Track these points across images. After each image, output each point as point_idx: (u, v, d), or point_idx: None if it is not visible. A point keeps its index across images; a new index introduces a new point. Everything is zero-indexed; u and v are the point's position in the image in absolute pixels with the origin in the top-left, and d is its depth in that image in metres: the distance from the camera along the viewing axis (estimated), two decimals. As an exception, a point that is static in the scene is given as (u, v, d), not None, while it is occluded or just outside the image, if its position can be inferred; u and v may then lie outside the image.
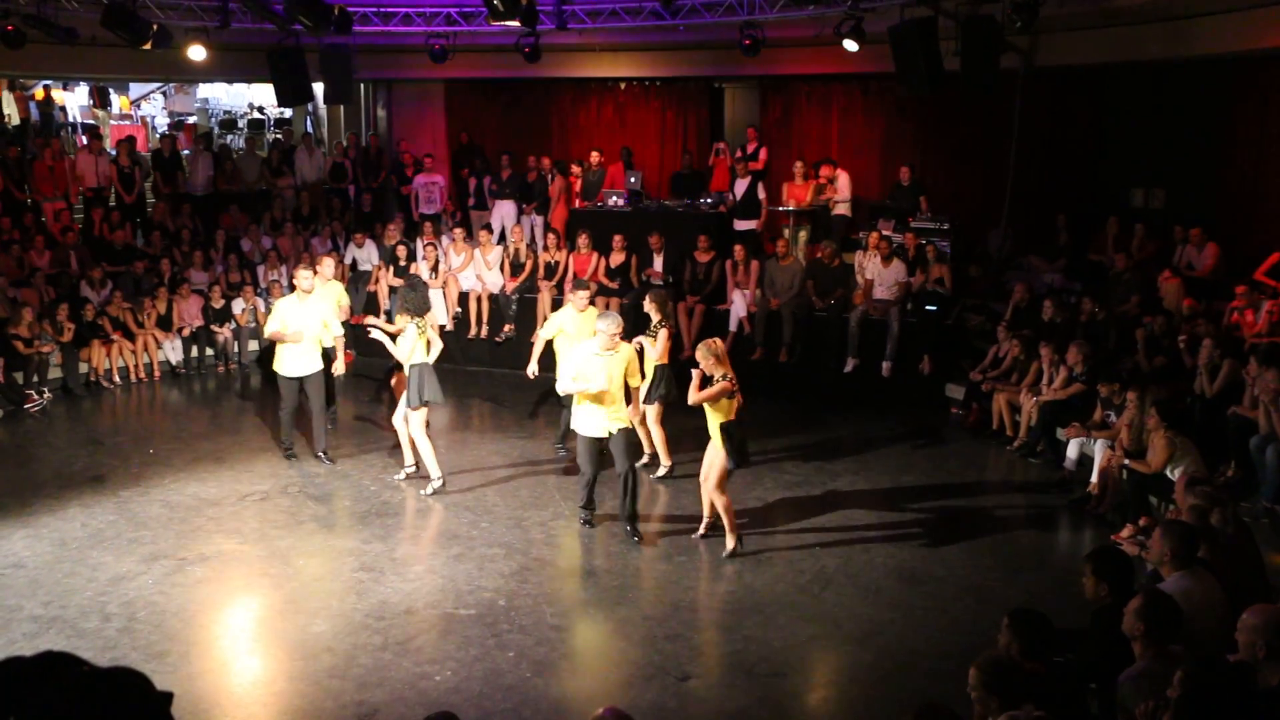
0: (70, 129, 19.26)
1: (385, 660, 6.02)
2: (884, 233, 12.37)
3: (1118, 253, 11.41)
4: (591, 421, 7.52)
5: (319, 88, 14.36)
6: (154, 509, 8.35)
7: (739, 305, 12.23)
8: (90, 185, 14.48)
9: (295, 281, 9.50)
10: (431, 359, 8.68)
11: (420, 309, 8.76)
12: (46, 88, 19.21)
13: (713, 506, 7.59)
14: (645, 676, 5.91)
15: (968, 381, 10.83)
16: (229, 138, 20.28)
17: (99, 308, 12.36)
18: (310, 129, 19.12)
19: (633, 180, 13.94)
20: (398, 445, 9.07)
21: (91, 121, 19.37)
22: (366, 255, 13.80)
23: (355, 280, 13.44)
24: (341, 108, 17.28)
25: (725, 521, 7.50)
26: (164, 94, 22.01)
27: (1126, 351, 9.87)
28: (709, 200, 13.69)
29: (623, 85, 16.18)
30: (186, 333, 12.92)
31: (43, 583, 6.97)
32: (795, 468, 9.44)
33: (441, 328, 13.15)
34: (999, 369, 10.53)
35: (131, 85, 21.07)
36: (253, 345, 13.24)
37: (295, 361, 9.21)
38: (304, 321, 9.14)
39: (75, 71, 16.31)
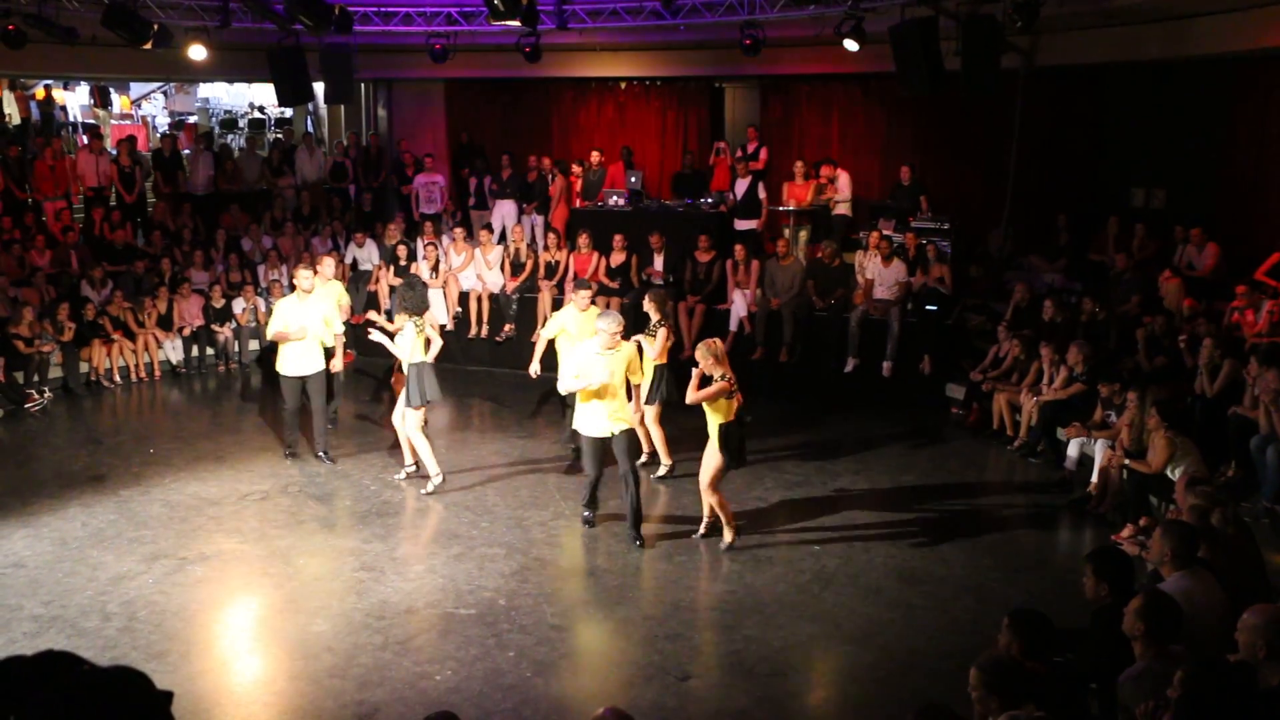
0: (71, 128, 19.28)
1: (385, 660, 6.02)
2: (884, 232, 12.37)
3: (1118, 253, 11.41)
4: (594, 421, 7.52)
5: (319, 87, 14.37)
6: (154, 508, 8.35)
7: (739, 305, 12.23)
8: (91, 185, 14.49)
9: (295, 281, 9.50)
10: (430, 357, 8.69)
11: (418, 308, 8.76)
12: (47, 87, 19.23)
13: (712, 507, 7.61)
14: (645, 676, 5.92)
15: (968, 381, 10.83)
16: (230, 137, 20.28)
17: (99, 307, 12.36)
18: (311, 128, 19.13)
19: (633, 180, 13.94)
20: (398, 445, 9.08)
21: (92, 121, 19.38)
22: (367, 255, 13.81)
23: (356, 280, 13.44)
24: (342, 107, 17.29)
25: (721, 517, 7.58)
26: (165, 93, 22.03)
27: (1127, 351, 9.87)
28: (709, 200, 13.69)
29: (623, 85, 16.18)
30: (187, 332, 12.92)
31: (43, 582, 6.97)
32: (795, 467, 9.44)
33: (442, 327, 13.15)
34: (999, 369, 10.53)
35: (132, 85, 21.08)
36: (253, 345, 13.24)
37: (297, 361, 9.21)
38: (306, 320, 9.14)
39: (76, 71, 16.31)
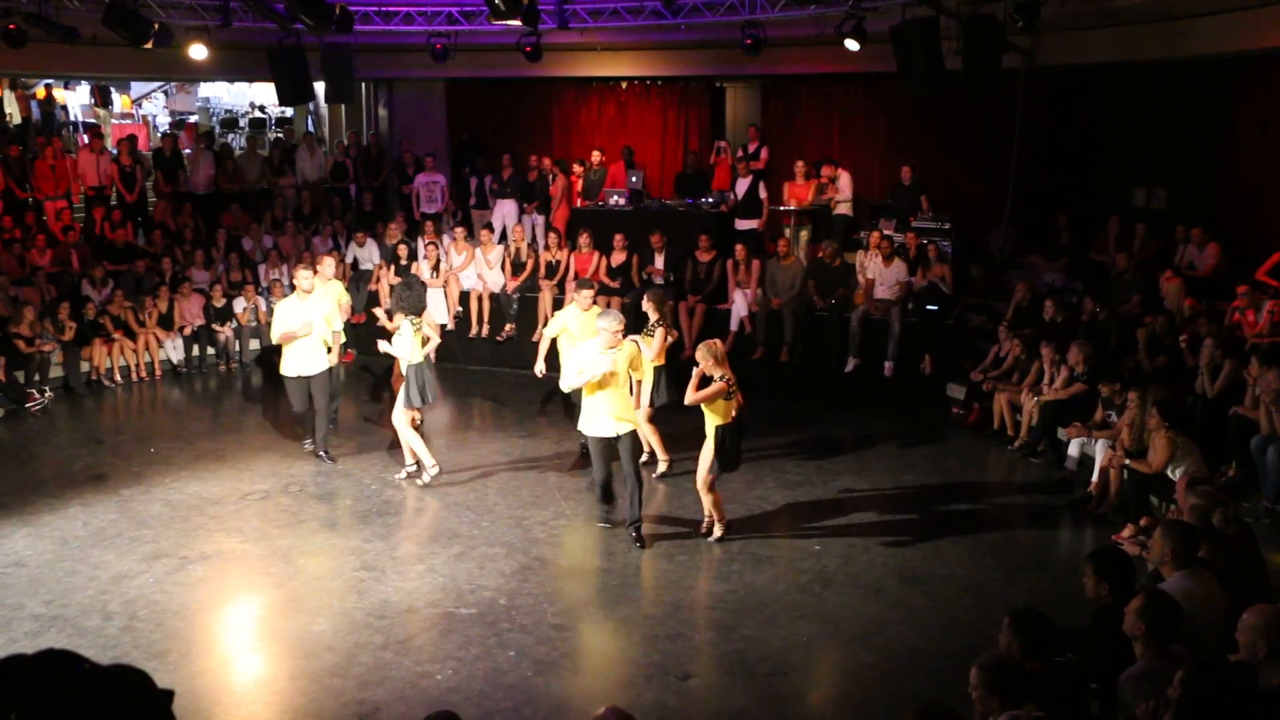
0: (72, 128, 19.27)
1: (386, 659, 6.02)
2: (885, 232, 12.37)
3: (1119, 252, 11.41)
4: (599, 422, 7.50)
5: (320, 87, 14.36)
6: (155, 508, 8.35)
7: (740, 305, 12.23)
8: (91, 184, 14.49)
9: (295, 281, 9.50)
10: (424, 354, 8.73)
11: (416, 307, 8.78)
12: (48, 86, 19.22)
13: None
14: (646, 675, 5.92)
15: (969, 381, 10.82)
16: (230, 137, 20.27)
17: (100, 307, 12.36)
18: (311, 128, 19.13)
19: (634, 179, 13.95)
20: (398, 444, 9.08)
21: (93, 120, 19.38)
22: (368, 254, 13.81)
23: (356, 279, 13.45)
24: (343, 107, 17.29)
25: (715, 514, 7.62)
26: (165, 93, 22.02)
27: (1128, 351, 9.87)
28: (710, 200, 13.69)
29: (624, 84, 16.17)
30: (188, 332, 12.93)
31: (44, 581, 6.98)
32: (796, 467, 9.44)
33: (443, 327, 13.18)
34: (1000, 369, 10.52)
35: (133, 84, 21.06)
36: (254, 344, 13.25)
37: (300, 362, 9.19)
38: (308, 318, 9.13)
39: (77, 70, 16.30)
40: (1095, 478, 8.49)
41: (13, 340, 11.25)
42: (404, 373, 8.82)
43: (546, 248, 13.36)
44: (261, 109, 21.52)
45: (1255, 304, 9.35)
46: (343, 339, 9.96)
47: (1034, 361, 10.02)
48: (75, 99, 20.48)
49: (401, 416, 8.76)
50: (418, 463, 8.92)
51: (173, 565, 7.27)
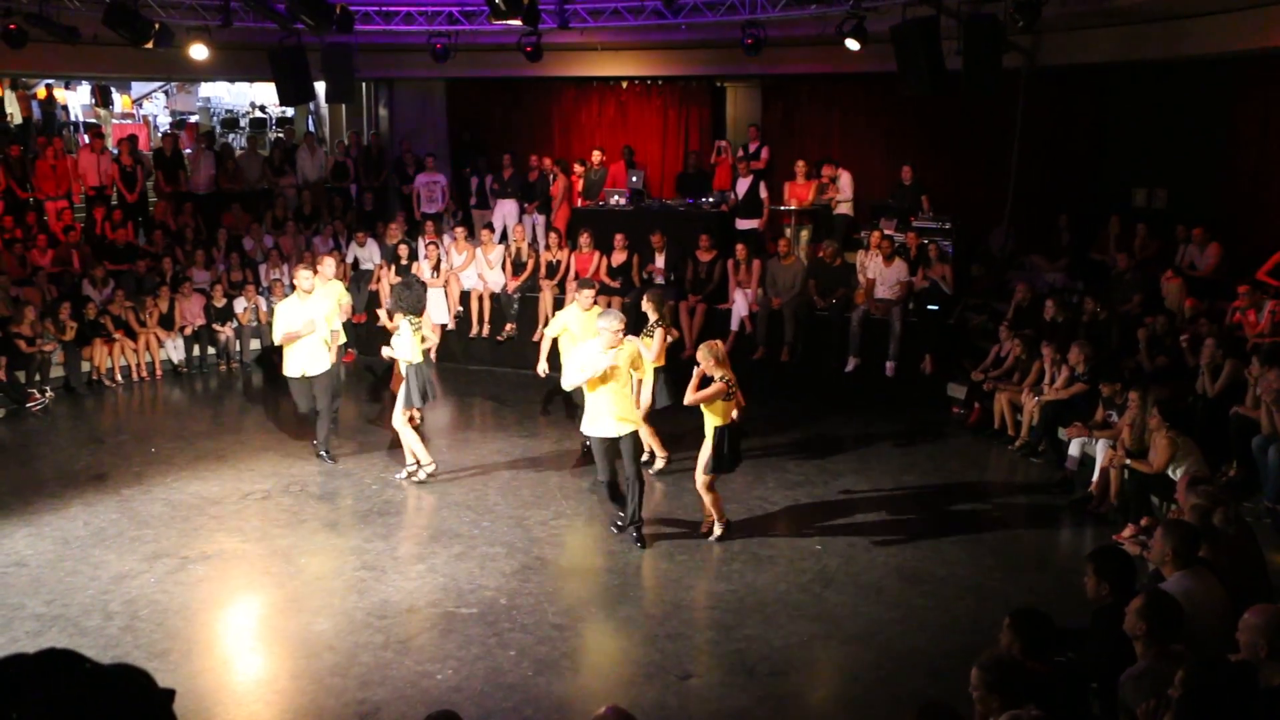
0: (72, 128, 19.27)
1: (387, 659, 6.02)
2: (886, 232, 12.37)
3: (1120, 252, 11.40)
4: (601, 422, 7.49)
5: (321, 86, 14.36)
6: (156, 507, 8.35)
7: (741, 304, 12.22)
8: (92, 184, 14.49)
9: (295, 281, 9.50)
10: (423, 354, 8.77)
11: (415, 307, 8.78)
12: (48, 86, 19.22)
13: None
14: (646, 675, 5.92)
15: (969, 381, 10.82)
16: (231, 136, 20.28)
17: (101, 306, 12.37)
18: (312, 128, 19.13)
19: (634, 179, 13.95)
20: (398, 444, 9.08)
21: (93, 120, 19.38)
22: (368, 254, 13.81)
23: (357, 279, 13.45)
24: (343, 107, 17.30)
25: (714, 513, 7.61)
26: (166, 93, 22.02)
27: (1128, 351, 9.86)
28: (711, 199, 13.69)
29: (624, 84, 16.17)
30: (189, 331, 12.93)
31: (45, 581, 6.98)
32: (797, 467, 9.44)
33: (443, 327, 13.19)
34: (1001, 368, 10.52)
35: (133, 84, 21.07)
36: (254, 344, 13.25)
37: (303, 362, 9.18)
38: (310, 317, 9.12)
39: (77, 70, 16.31)
40: (1096, 477, 8.49)
41: (14, 340, 11.25)
42: (403, 372, 8.82)
43: (547, 247, 13.36)
44: (262, 109, 21.52)
45: (1256, 304, 9.35)
46: (343, 339, 9.95)
47: (1035, 361, 10.02)
48: (76, 99, 20.49)
49: (401, 417, 8.78)
50: (417, 462, 8.92)
51: (174, 565, 7.27)
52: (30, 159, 14.26)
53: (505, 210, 14.79)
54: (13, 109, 18.03)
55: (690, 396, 7.34)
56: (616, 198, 13.71)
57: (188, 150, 15.97)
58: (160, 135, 18.26)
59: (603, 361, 7.28)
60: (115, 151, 15.00)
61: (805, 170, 13.62)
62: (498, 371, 12.97)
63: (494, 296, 13.29)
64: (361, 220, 14.97)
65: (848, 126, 15.00)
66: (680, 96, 15.98)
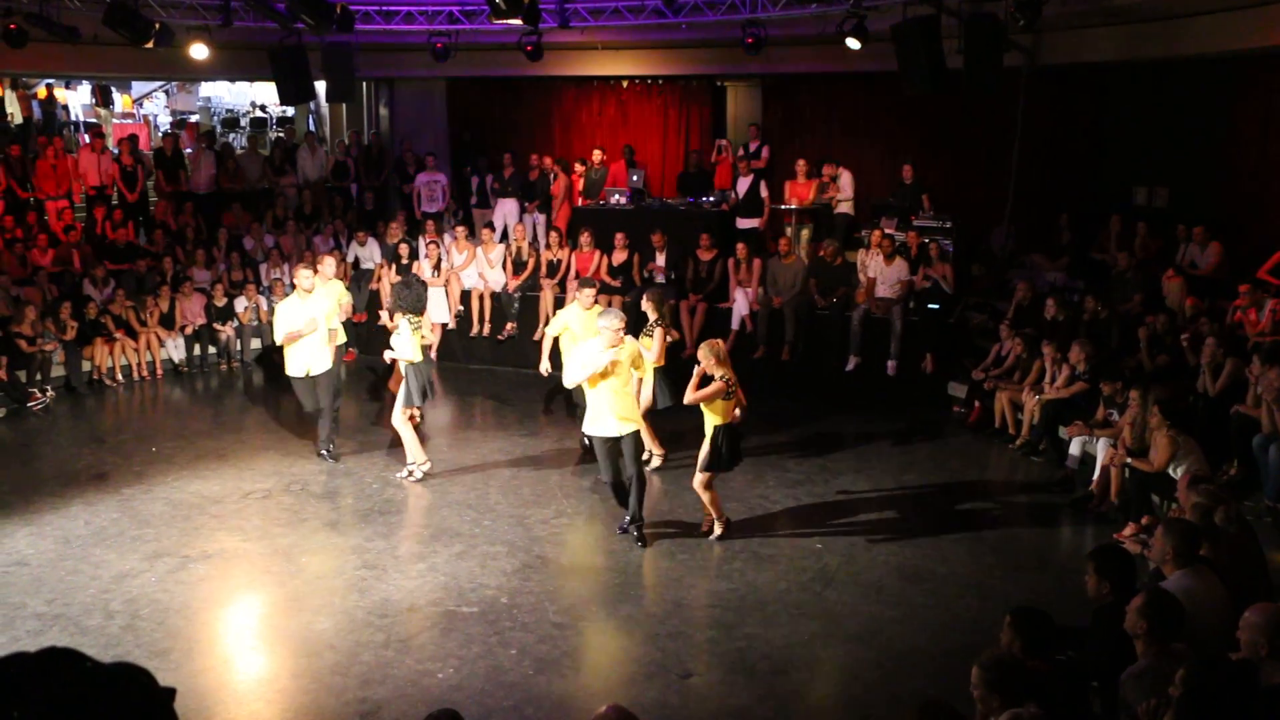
0: (73, 127, 19.27)
1: (388, 658, 6.02)
2: (886, 231, 12.36)
3: (1120, 251, 11.40)
4: (604, 422, 7.49)
5: (321, 86, 14.36)
6: (157, 507, 8.36)
7: (741, 304, 12.22)
8: (93, 184, 14.50)
9: (295, 281, 9.49)
10: (423, 353, 8.78)
11: (414, 306, 8.78)
12: (49, 86, 19.22)
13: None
14: (647, 674, 5.92)
15: (970, 380, 10.82)
16: (231, 136, 20.28)
17: (102, 306, 12.37)
18: (313, 127, 19.13)
19: (635, 178, 13.95)
20: (399, 443, 9.08)
21: (94, 120, 19.38)
22: (369, 253, 13.81)
23: (358, 278, 13.45)
24: (344, 106, 17.30)
25: (713, 513, 7.60)
26: (166, 92, 22.03)
27: (1129, 350, 9.86)
28: (711, 198, 13.70)
29: (625, 83, 16.17)
30: (189, 331, 12.94)
31: (46, 580, 6.98)
32: (797, 466, 9.44)
33: (444, 326, 13.20)
34: (1001, 367, 10.52)
35: (134, 84, 21.07)
36: (255, 343, 13.26)
37: (306, 361, 9.16)
38: (311, 316, 9.11)
39: (78, 70, 16.31)
40: (1096, 476, 8.49)
41: (15, 340, 11.26)
42: (403, 371, 8.83)
43: (548, 247, 13.36)
44: (263, 108, 21.53)
45: (1257, 303, 9.35)
46: (342, 339, 9.95)
47: (1035, 360, 10.02)
48: (76, 99, 20.49)
49: (400, 416, 8.78)
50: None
51: (175, 564, 7.28)
52: (31, 159, 14.26)
53: (506, 209, 14.79)
54: (13, 109, 18.04)
55: (690, 396, 7.34)
56: (617, 197, 13.71)
57: (188, 150, 15.97)
58: (161, 135, 18.26)
59: (604, 358, 7.27)
60: (116, 151, 15.00)
61: (806, 169, 13.62)
62: (498, 370, 12.97)
63: (495, 296, 13.29)
64: (362, 220, 14.97)
65: (848, 125, 14.99)
66: (681, 96, 15.98)
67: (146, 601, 6.69)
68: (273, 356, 11.60)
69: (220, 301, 13.12)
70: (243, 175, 15.41)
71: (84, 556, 7.37)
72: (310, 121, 19.58)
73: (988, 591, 6.98)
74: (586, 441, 9.53)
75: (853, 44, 11.23)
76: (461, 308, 13.38)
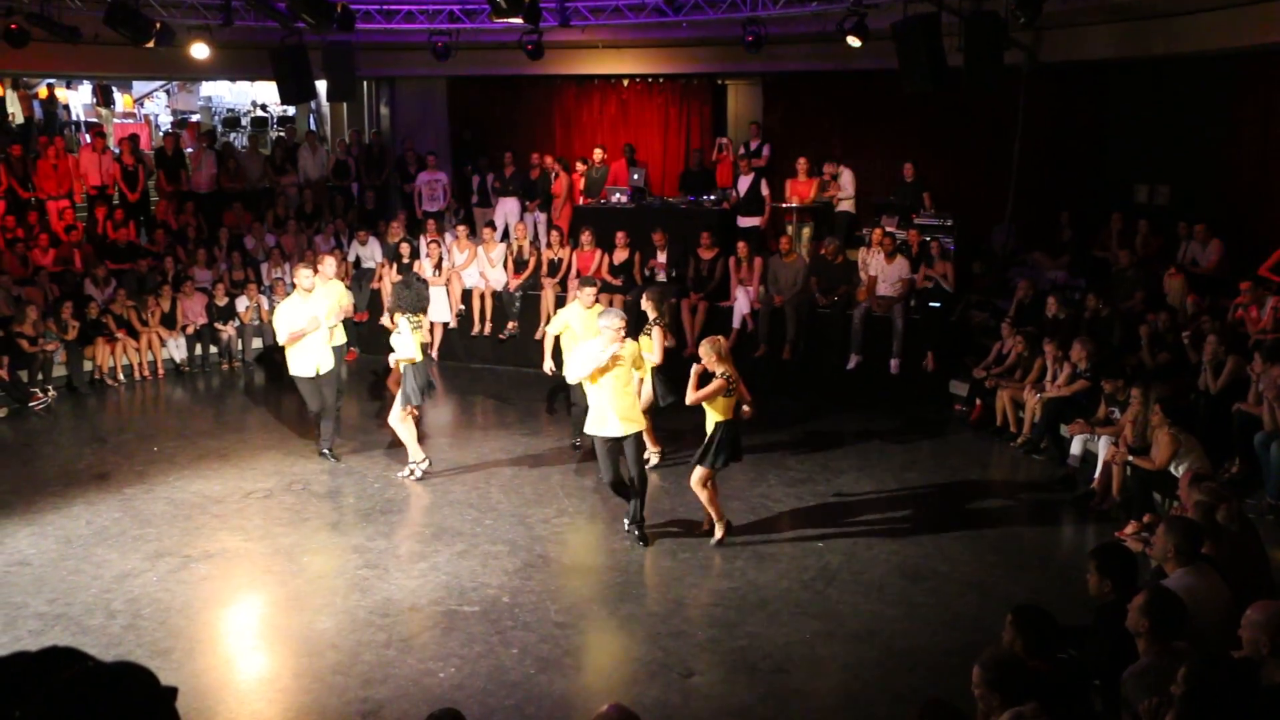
0: (74, 127, 19.28)
1: (389, 657, 6.03)
2: (888, 229, 12.35)
3: (1122, 249, 11.40)
4: (606, 422, 7.48)
5: (322, 85, 14.36)
6: (158, 506, 8.36)
7: (742, 302, 12.22)
8: (94, 183, 14.51)
9: (295, 280, 9.48)
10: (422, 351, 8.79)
11: (414, 305, 8.77)
12: (50, 86, 19.23)
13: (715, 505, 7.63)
14: (649, 673, 5.92)
15: (971, 378, 10.82)
16: (232, 135, 20.29)
17: (103, 306, 12.38)
18: (313, 126, 19.13)
19: (636, 177, 13.95)
20: (400, 443, 9.08)
21: (95, 120, 19.40)
22: (370, 253, 13.82)
23: (359, 278, 13.46)
24: (345, 105, 17.30)
25: (712, 512, 7.56)
26: (167, 92, 22.05)
27: (1130, 348, 9.86)
28: (712, 197, 13.70)
29: (626, 82, 16.17)
30: (190, 330, 12.94)
31: (48, 580, 6.99)
32: (798, 464, 9.44)
33: (445, 325, 13.20)
34: (1003, 365, 10.52)
35: (135, 83, 21.09)
36: (256, 343, 13.26)
37: (309, 360, 9.15)
38: (313, 314, 9.10)
39: (78, 70, 16.32)
40: (1098, 474, 8.48)
41: (16, 340, 11.27)
42: (402, 370, 8.82)
43: (549, 245, 13.35)
44: (263, 107, 21.54)
45: (1258, 300, 9.34)
46: (343, 338, 9.94)
47: (1036, 358, 10.01)
48: (77, 98, 20.50)
49: (398, 415, 8.77)
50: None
51: (176, 563, 7.28)
52: (32, 159, 14.27)
53: (507, 208, 14.79)
54: (14, 108, 18.04)
55: (692, 396, 7.32)
56: (618, 195, 13.71)
57: (189, 149, 15.98)
58: (162, 134, 18.27)
59: (606, 353, 7.27)
60: (117, 151, 15.00)
61: (807, 168, 13.61)
62: (499, 370, 12.98)
63: (496, 295, 13.29)
64: (363, 219, 14.98)
65: (849, 124, 14.99)
66: (681, 94, 15.98)
67: (148, 601, 6.69)
68: (275, 356, 11.59)
69: (221, 301, 13.13)
70: (244, 175, 15.42)
71: (86, 556, 7.37)
72: (311, 121, 19.58)
73: (989, 590, 6.97)
74: (576, 444, 9.56)
75: (853, 42, 11.23)
76: (463, 307, 13.38)
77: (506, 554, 7.45)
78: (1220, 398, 8.54)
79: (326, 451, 9.45)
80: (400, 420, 8.79)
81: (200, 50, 12.25)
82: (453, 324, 13.26)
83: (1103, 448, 8.59)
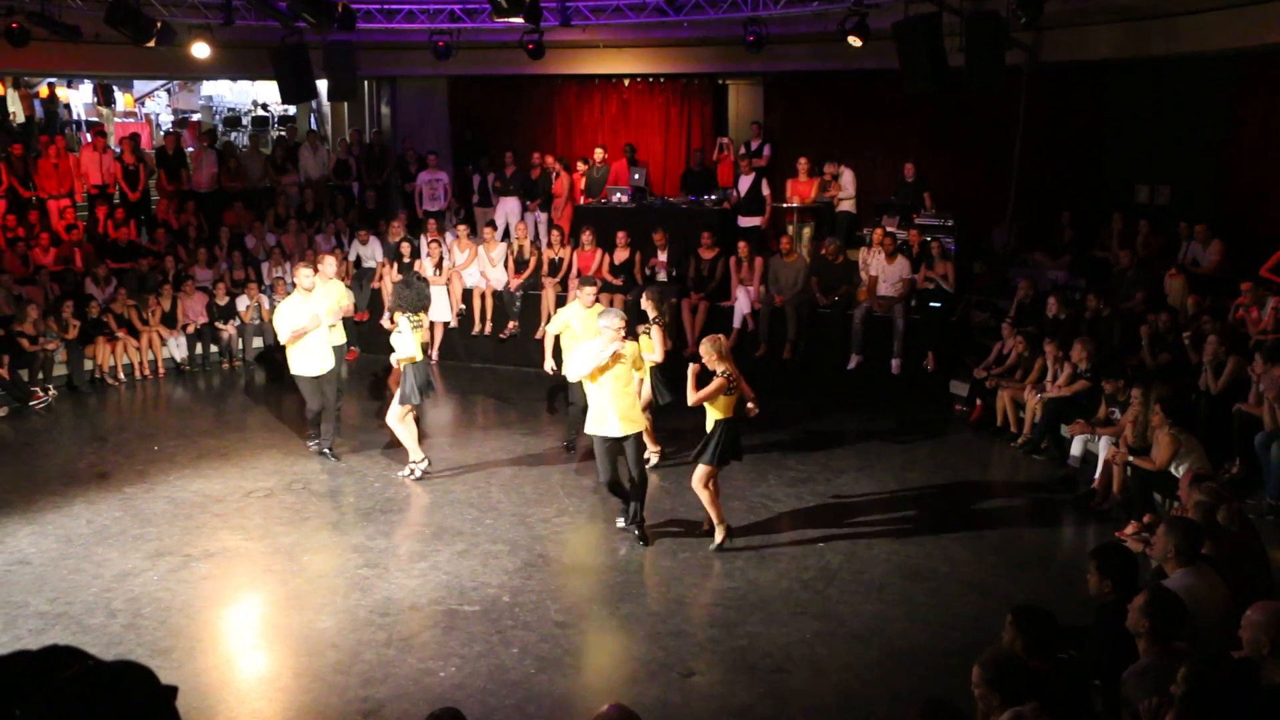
0: (75, 126, 19.29)
1: (389, 656, 6.03)
2: (888, 229, 12.35)
3: (1122, 249, 11.39)
4: (607, 422, 7.47)
5: (323, 85, 14.37)
6: (159, 505, 8.36)
7: (743, 302, 12.22)
8: (95, 183, 14.51)
9: (295, 280, 9.48)
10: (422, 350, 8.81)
11: (414, 305, 8.77)
12: (51, 85, 19.24)
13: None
14: (649, 672, 5.92)
15: (972, 378, 10.82)
16: (233, 135, 20.30)
17: (104, 305, 12.38)
18: (314, 126, 19.14)
19: (637, 177, 13.95)
20: (399, 442, 9.06)
21: (96, 119, 19.41)
22: (371, 252, 13.82)
23: (360, 277, 13.46)
24: (345, 104, 17.31)
25: (712, 514, 7.52)
26: (168, 91, 22.05)
27: (1131, 348, 9.86)
28: (713, 197, 13.70)
29: (626, 82, 16.18)
30: (191, 329, 12.95)
31: (48, 579, 6.99)
32: (799, 464, 9.44)
33: (446, 324, 13.20)
34: (1003, 366, 10.52)
35: (136, 82, 21.09)
36: (257, 342, 13.27)
37: (312, 360, 9.14)
38: (314, 312, 9.10)
39: (79, 69, 16.32)
40: (1098, 475, 8.48)
41: (17, 339, 11.27)
42: (401, 369, 8.82)
43: (549, 245, 13.35)
44: (264, 107, 21.54)
45: (1259, 300, 9.34)
46: (342, 338, 9.94)
47: (1037, 358, 10.01)
48: (78, 97, 20.51)
49: (395, 415, 8.76)
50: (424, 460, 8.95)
51: (176, 563, 7.28)
52: (33, 158, 14.27)
53: (508, 208, 14.80)
54: (15, 108, 18.06)
55: (692, 397, 7.30)
56: (619, 195, 13.71)
57: (190, 149, 15.97)
58: (162, 134, 18.28)
59: (607, 351, 7.27)
60: (118, 150, 15.01)
61: (807, 167, 13.61)
62: (500, 369, 12.98)
63: (496, 294, 13.29)
64: (364, 218, 14.98)
65: (850, 124, 14.99)
66: (682, 94, 15.99)
67: (148, 600, 6.69)
68: (275, 355, 11.60)
69: (222, 300, 13.13)
70: (244, 174, 15.42)
71: (86, 555, 7.37)
72: (312, 120, 19.59)
73: (989, 590, 6.97)
74: (569, 445, 9.54)
75: (854, 42, 11.22)
76: (463, 306, 13.38)
77: (507, 553, 7.45)
78: (1221, 398, 8.53)
79: (327, 451, 9.45)
80: (399, 420, 8.79)
81: (201, 49, 12.26)
82: (453, 323, 13.26)
83: (1103, 448, 8.59)
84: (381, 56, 15.01)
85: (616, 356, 7.30)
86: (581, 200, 14.38)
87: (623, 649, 6.38)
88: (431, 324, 12.57)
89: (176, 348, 12.84)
